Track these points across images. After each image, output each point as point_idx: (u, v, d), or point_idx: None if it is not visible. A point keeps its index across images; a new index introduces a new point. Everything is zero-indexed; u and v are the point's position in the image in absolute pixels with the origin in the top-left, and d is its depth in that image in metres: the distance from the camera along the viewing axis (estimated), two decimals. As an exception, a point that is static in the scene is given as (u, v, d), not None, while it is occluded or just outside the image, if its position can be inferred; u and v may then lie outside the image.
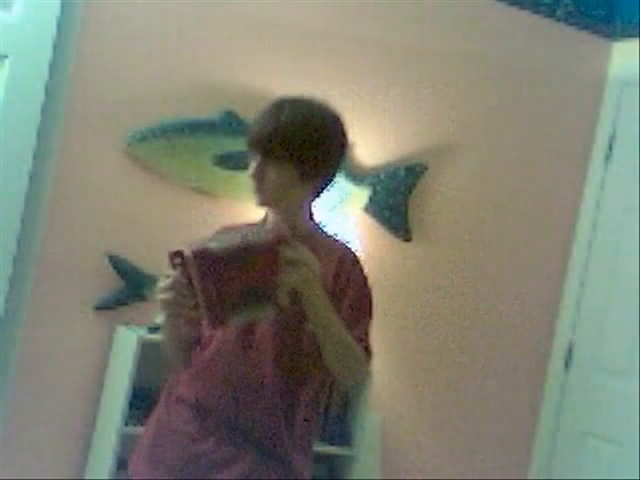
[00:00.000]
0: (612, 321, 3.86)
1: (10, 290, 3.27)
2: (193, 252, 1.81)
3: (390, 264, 3.73)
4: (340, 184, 3.60)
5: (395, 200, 3.72)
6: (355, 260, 2.15)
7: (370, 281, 2.15)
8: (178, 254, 1.86)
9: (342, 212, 3.56)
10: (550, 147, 4.04)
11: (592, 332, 3.94)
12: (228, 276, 1.82)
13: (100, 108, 3.29)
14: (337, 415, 3.51)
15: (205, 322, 1.87)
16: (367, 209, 3.69)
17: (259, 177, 2.11)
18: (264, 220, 2.23)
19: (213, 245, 1.82)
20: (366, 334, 2.11)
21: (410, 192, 3.76)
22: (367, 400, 3.48)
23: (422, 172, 3.78)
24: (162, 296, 1.90)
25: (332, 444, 3.44)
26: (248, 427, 2.06)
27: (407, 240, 3.76)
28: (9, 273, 3.27)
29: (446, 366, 3.89)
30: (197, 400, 2.09)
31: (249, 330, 2.07)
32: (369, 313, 2.14)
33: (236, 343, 2.07)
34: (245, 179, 3.45)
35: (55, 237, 3.28)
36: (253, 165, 2.12)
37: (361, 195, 3.67)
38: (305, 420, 2.12)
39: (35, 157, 3.27)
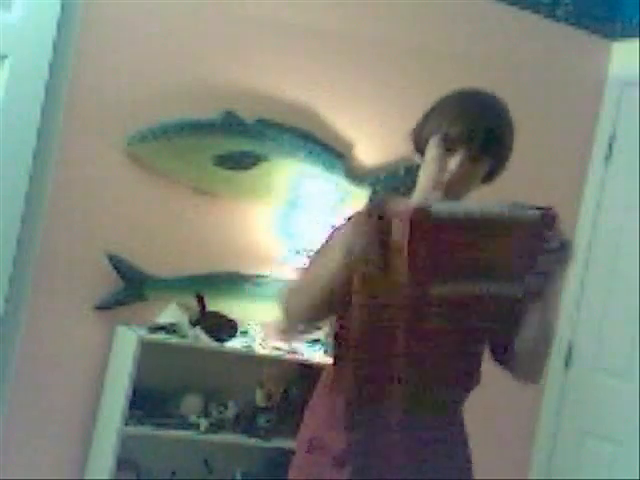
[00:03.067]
0: (612, 321, 3.86)
1: (10, 290, 3.27)
2: (415, 213, 1.71)
3: (390, 264, 3.73)
4: (340, 184, 3.60)
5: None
6: None
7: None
8: (378, 209, 1.78)
9: (342, 212, 3.56)
10: (550, 147, 4.04)
11: (592, 332, 3.93)
12: (445, 243, 1.72)
13: (100, 108, 3.29)
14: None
15: (406, 282, 1.75)
16: (367, 209, 3.68)
17: (460, 172, 2.01)
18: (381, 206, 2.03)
19: (441, 208, 1.73)
20: None
21: (410, 192, 3.75)
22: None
23: (422, 172, 3.77)
24: (350, 241, 1.81)
25: (332, 444, 3.44)
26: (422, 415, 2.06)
27: (407, 240, 3.75)
28: (9, 273, 3.27)
29: (446, 366, 3.89)
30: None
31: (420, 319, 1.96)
32: None
33: (406, 333, 1.97)
34: (245, 179, 3.48)
35: (55, 237, 3.28)
36: (455, 159, 2.01)
37: (361, 195, 3.67)
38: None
39: (35, 157, 3.27)
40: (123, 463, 3.20)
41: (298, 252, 3.40)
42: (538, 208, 1.86)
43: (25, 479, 3.27)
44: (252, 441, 3.33)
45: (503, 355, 2.05)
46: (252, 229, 3.52)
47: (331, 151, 3.59)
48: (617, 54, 4.04)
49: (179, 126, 3.36)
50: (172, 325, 3.27)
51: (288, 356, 3.37)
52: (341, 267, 1.87)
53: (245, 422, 3.37)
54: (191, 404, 3.32)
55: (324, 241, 2.09)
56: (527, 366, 2.03)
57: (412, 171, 3.78)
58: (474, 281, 1.76)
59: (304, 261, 2.14)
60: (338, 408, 2.04)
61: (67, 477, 3.34)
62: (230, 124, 3.43)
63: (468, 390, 2.16)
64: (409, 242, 1.71)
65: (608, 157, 4.01)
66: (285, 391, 3.46)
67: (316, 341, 3.49)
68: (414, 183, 3.87)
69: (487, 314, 1.97)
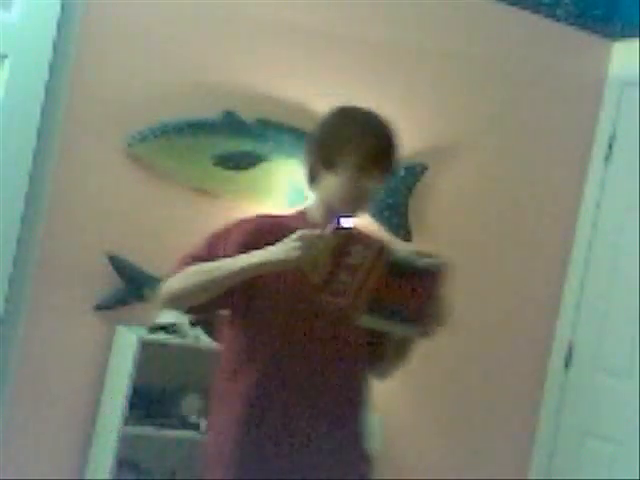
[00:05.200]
0: (612, 321, 3.86)
1: (10, 290, 3.27)
2: (380, 245, 1.91)
3: (390, 264, 3.73)
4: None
5: (395, 200, 3.72)
6: None
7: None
8: (346, 231, 1.95)
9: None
10: (550, 147, 4.04)
11: (592, 332, 3.94)
12: (381, 284, 1.91)
13: (100, 108, 3.29)
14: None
15: (341, 300, 1.93)
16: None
17: (373, 192, 2.20)
18: (302, 216, 2.26)
19: (396, 249, 1.93)
20: None
21: (410, 192, 3.76)
22: (367, 400, 3.47)
23: (422, 172, 3.78)
24: (302, 239, 1.95)
25: (332, 444, 3.43)
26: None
27: (407, 240, 3.76)
28: (9, 273, 3.27)
29: (446, 366, 3.89)
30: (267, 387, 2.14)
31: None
32: None
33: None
34: (245, 179, 3.48)
35: (55, 237, 3.28)
36: (374, 179, 2.18)
37: (361, 195, 3.66)
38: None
39: (35, 157, 3.27)
40: (123, 463, 3.21)
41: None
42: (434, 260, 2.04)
43: (25, 479, 3.27)
44: (252, 441, 3.33)
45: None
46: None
47: (331, 151, 3.59)
48: (617, 54, 4.04)
49: (179, 126, 3.36)
50: (172, 325, 3.27)
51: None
52: (253, 268, 2.00)
53: (245, 422, 3.37)
54: (191, 404, 3.32)
55: (211, 239, 2.21)
56: (384, 369, 2.32)
57: (412, 171, 3.81)
58: (386, 319, 1.96)
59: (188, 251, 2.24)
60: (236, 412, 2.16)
61: (67, 477, 3.34)
62: (230, 124, 3.43)
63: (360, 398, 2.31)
64: (366, 270, 1.91)
65: (608, 157, 4.01)
66: (285, 391, 3.45)
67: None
68: (414, 183, 3.90)
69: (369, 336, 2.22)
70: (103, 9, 3.26)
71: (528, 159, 4.02)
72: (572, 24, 3.99)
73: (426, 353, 3.85)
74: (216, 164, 3.43)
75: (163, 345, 3.24)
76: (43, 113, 3.26)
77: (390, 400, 3.75)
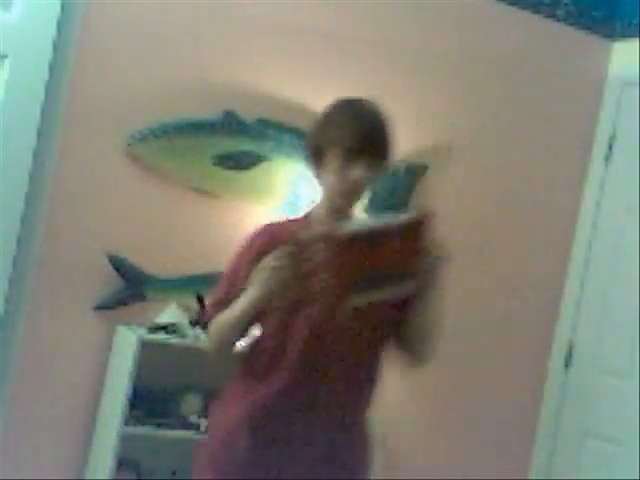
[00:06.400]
0: (612, 321, 3.86)
1: (10, 290, 3.27)
2: (321, 236, 1.90)
3: (390, 264, 3.73)
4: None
5: (395, 200, 3.72)
6: None
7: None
8: (296, 240, 1.95)
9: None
10: (550, 147, 4.04)
11: (592, 332, 3.94)
12: (357, 258, 1.89)
13: (100, 108, 3.29)
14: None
15: (323, 299, 1.94)
16: (367, 209, 3.68)
17: (361, 180, 2.14)
18: (305, 218, 2.26)
19: (342, 228, 1.91)
20: None
21: (410, 192, 3.76)
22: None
23: (422, 172, 3.78)
24: (274, 264, 1.98)
25: (332, 444, 3.43)
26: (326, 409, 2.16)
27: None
28: (9, 273, 3.27)
29: (446, 366, 3.89)
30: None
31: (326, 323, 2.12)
32: None
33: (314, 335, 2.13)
34: (245, 179, 3.48)
35: (55, 237, 3.28)
36: (357, 170, 2.13)
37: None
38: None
39: (35, 157, 3.27)
40: (123, 463, 3.20)
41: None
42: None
43: (25, 479, 3.27)
44: (252, 441, 3.33)
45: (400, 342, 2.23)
46: (252, 229, 3.51)
47: (331, 151, 3.59)
48: (617, 54, 4.04)
49: (179, 126, 3.37)
50: (172, 325, 3.27)
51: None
52: (258, 302, 2.06)
53: (245, 422, 3.37)
54: (191, 404, 3.32)
55: (230, 265, 2.26)
56: (419, 348, 2.21)
57: (412, 171, 3.81)
58: (379, 287, 1.94)
59: (218, 284, 2.32)
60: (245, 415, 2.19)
61: (67, 477, 3.34)
62: (230, 124, 3.43)
63: (371, 394, 2.27)
64: (329, 262, 1.90)
65: (608, 157, 4.01)
66: (285, 391, 3.45)
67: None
68: (414, 183, 3.90)
69: (387, 313, 2.14)
70: (103, 9, 3.26)
71: (528, 159, 4.02)
72: (572, 24, 3.99)
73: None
74: (216, 164, 3.43)
75: (163, 345, 3.23)
76: (43, 113, 3.26)
77: (390, 400, 3.75)
